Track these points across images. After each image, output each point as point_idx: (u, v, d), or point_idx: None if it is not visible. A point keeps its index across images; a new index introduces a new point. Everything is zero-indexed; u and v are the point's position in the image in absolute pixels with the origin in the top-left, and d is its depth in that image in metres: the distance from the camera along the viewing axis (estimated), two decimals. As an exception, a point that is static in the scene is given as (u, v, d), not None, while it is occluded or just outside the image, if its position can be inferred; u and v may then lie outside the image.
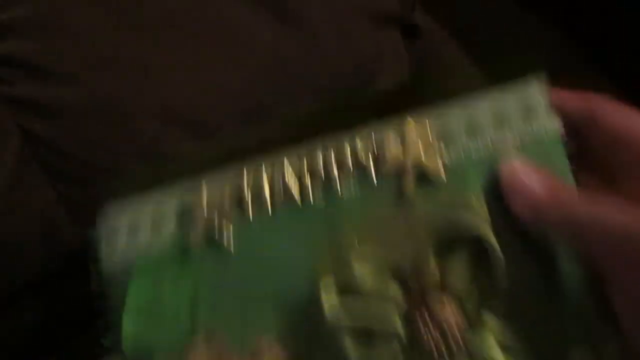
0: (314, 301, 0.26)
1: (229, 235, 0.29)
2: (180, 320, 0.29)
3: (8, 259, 0.38)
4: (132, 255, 0.30)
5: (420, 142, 0.28)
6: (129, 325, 0.29)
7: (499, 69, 0.32)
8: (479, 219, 0.27)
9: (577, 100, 0.28)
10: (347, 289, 0.26)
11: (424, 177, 0.28)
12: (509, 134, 0.28)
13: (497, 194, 0.27)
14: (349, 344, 0.26)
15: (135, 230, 0.30)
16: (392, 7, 0.40)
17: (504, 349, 0.26)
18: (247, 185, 0.29)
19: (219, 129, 0.35)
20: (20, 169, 0.36)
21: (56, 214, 0.37)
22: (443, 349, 0.25)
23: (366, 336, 0.26)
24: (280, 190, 0.29)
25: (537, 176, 0.26)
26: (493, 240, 0.25)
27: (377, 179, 0.29)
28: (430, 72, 0.45)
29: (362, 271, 0.26)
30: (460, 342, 0.25)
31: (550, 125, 0.28)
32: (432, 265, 0.26)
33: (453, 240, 0.26)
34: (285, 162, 0.29)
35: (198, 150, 0.35)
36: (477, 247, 0.26)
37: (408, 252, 0.27)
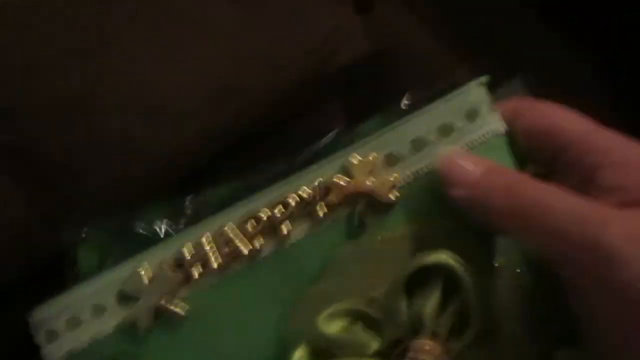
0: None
1: (178, 309, 0.26)
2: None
3: None
4: (76, 349, 0.27)
5: (366, 172, 0.26)
6: None
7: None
8: (441, 245, 0.25)
9: (504, 106, 0.27)
10: (321, 353, 0.24)
11: (376, 207, 0.26)
12: (455, 141, 0.27)
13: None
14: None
15: (76, 323, 0.27)
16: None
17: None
18: (190, 251, 0.27)
19: (185, 115, 0.34)
20: None
21: (27, 219, 0.35)
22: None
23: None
24: (226, 249, 0.27)
25: (474, 159, 0.25)
26: (459, 268, 0.24)
27: (324, 217, 0.26)
28: (392, 47, 0.44)
29: (333, 330, 0.24)
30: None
31: (495, 125, 0.27)
32: (403, 306, 0.24)
33: (420, 276, 0.24)
34: (228, 217, 0.27)
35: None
36: (445, 278, 0.24)
37: (375, 295, 0.25)
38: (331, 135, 0.31)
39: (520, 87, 0.28)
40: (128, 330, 0.27)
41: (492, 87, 0.28)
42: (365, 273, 0.26)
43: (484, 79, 0.27)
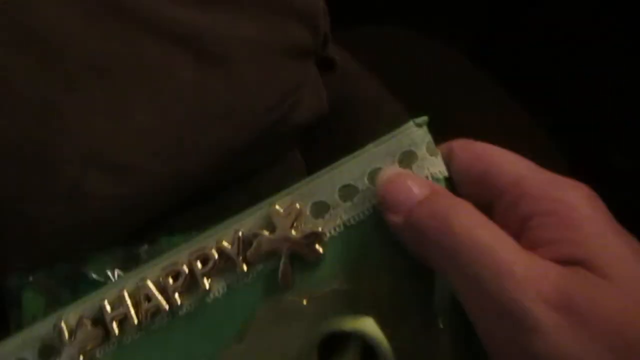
0: None
1: (100, 366, 0.25)
2: None
3: None
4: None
5: (290, 224, 0.25)
6: None
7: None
8: (369, 306, 0.23)
9: (439, 147, 0.25)
10: None
11: (301, 260, 0.25)
12: None
13: (385, 252, 0.24)
14: None
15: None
16: (306, 41, 0.38)
17: None
18: (111, 306, 0.26)
19: (139, 169, 0.34)
20: None
21: None
22: None
23: None
24: (146, 304, 0.25)
25: (421, 181, 0.23)
26: (379, 340, 0.21)
27: (246, 271, 0.25)
28: (350, 104, 0.44)
29: None
30: None
31: (434, 169, 0.25)
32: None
33: (337, 340, 0.22)
34: (147, 272, 0.26)
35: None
36: (363, 343, 0.22)
37: (296, 353, 0.23)
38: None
39: (418, 131, 0.25)
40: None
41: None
42: (286, 333, 0.24)
43: (422, 119, 0.25)
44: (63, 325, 0.26)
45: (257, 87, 0.37)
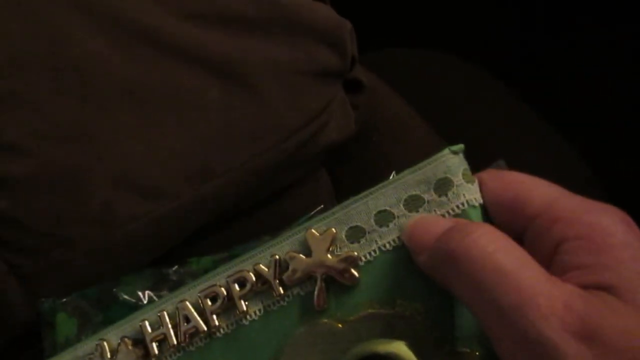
0: None
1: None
2: None
3: None
4: None
5: (326, 248, 0.25)
6: None
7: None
8: (401, 330, 0.23)
9: None
10: None
11: (335, 285, 0.25)
12: (424, 212, 0.25)
13: (420, 277, 0.24)
14: None
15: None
16: (333, 63, 0.39)
17: None
18: (150, 327, 0.26)
19: (169, 191, 0.35)
20: None
21: (8, 286, 0.35)
22: None
23: None
24: (184, 326, 0.26)
25: (442, 220, 0.24)
26: (412, 358, 0.21)
27: (283, 294, 0.25)
28: (377, 125, 0.44)
29: None
30: None
31: (470, 196, 0.25)
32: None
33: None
34: (186, 294, 0.26)
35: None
36: None
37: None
38: (317, 210, 0.31)
39: (455, 158, 0.25)
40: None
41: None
42: (320, 356, 0.24)
43: (458, 147, 0.25)
44: (105, 345, 0.27)
45: (283, 109, 0.37)
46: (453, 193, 0.25)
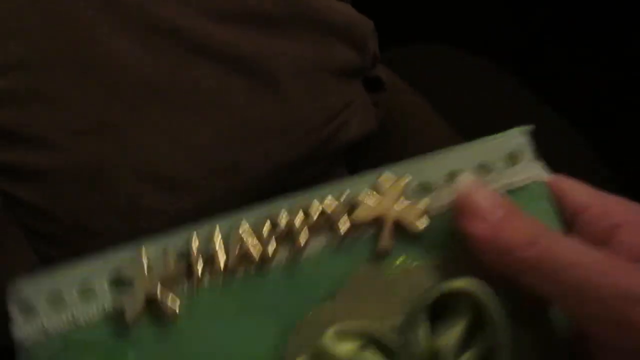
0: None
1: (174, 309, 0.24)
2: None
3: None
4: (54, 332, 0.25)
5: (397, 195, 0.25)
6: None
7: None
8: (471, 277, 0.23)
9: None
10: None
11: (403, 231, 0.25)
12: (493, 182, 0.26)
13: None
14: None
15: (58, 303, 0.25)
16: (354, 61, 0.41)
17: None
18: (197, 249, 0.25)
19: (194, 184, 0.36)
20: (1, 233, 0.36)
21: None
22: None
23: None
24: (236, 253, 0.25)
25: (497, 198, 0.24)
26: (488, 299, 0.22)
27: (346, 234, 0.25)
28: (397, 121, 0.46)
29: (342, 350, 0.22)
30: None
31: (537, 172, 0.26)
32: (422, 336, 0.22)
33: (443, 309, 0.22)
34: (243, 221, 0.25)
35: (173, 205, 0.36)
36: (471, 312, 0.22)
37: (392, 319, 0.23)
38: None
39: (524, 137, 0.27)
40: (114, 319, 0.25)
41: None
42: (380, 300, 0.24)
43: (526, 127, 0.27)
44: (143, 255, 0.25)
45: (306, 106, 0.39)
46: (522, 166, 0.26)
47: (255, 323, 0.24)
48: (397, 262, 0.25)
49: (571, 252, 0.21)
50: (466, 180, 0.25)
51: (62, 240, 0.36)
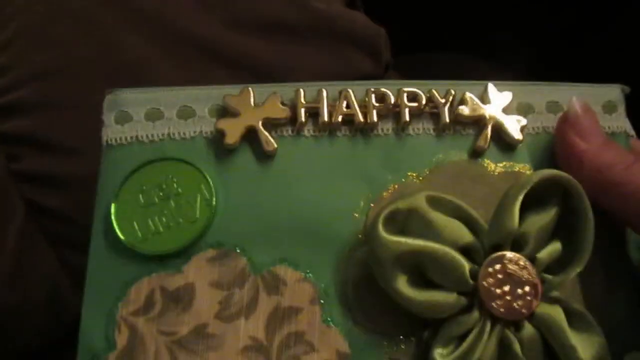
0: (372, 235, 0.22)
1: (273, 145, 0.25)
2: (192, 217, 0.23)
3: (12, 328, 0.37)
4: (147, 141, 0.25)
5: (500, 106, 0.26)
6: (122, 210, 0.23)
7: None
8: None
9: None
10: (411, 229, 0.22)
11: (500, 138, 0.26)
12: None
13: None
14: (402, 286, 0.21)
15: (157, 118, 0.25)
16: (370, 69, 0.43)
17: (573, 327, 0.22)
18: (304, 101, 0.25)
19: None
20: (24, 238, 0.37)
21: (60, 282, 0.38)
22: (508, 309, 0.21)
23: (423, 282, 0.22)
24: (341, 113, 0.25)
25: (599, 126, 0.25)
26: (581, 192, 0.22)
27: (448, 124, 0.26)
28: None
29: (434, 213, 0.22)
30: (530, 308, 0.21)
31: (627, 126, 0.27)
32: (513, 219, 0.22)
33: (540, 198, 0.23)
34: (349, 89, 0.26)
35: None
36: (558, 207, 0.23)
37: (483, 203, 0.24)
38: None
39: (621, 92, 0.28)
40: (211, 140, 0.25)
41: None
42: (465, 193, 0.24)
43: (626, 88, 0.28)
44: (251, 92, 0.25)
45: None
46: (616, 115, 0.27)
47: (346, 183, 0.24)
48: (489, 163, 0.25)
49: None
50: (578, 102, 0.26)
51: (85, 246, 0.36)
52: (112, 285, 0.23)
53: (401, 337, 0.22)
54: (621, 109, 0.28)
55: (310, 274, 0.23)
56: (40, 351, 0.39)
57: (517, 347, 0.21)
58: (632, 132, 0.27)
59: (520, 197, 0.22)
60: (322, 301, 0.23)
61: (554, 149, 0.26)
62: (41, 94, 0.37)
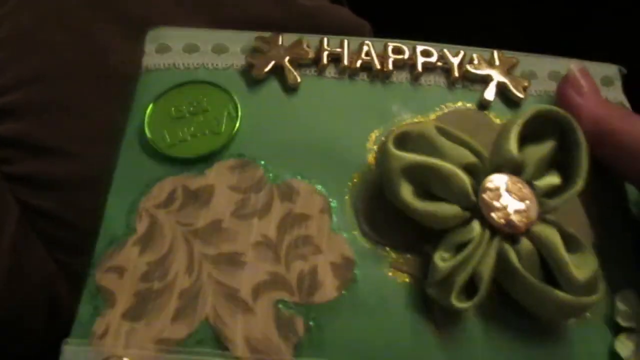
0: (382, 150, 0.23)
1: (296, 79, 0.27)
2: (217, 130, 0.25)
3: (10, 332, 0.37)
4: (183, 68, 0.28)
5: (506, 68, 0.29)
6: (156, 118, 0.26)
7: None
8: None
9: None
10: (419, 152, 0.23)
11: (505, 96, 0.28)
12: None
13: None
14: (407, 196, 0.23)
15: (193, 51, 0.28)
16: None
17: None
18: (328, 46, 0.28)
19: None
20: (19, 242, 0.37)
21: (57, 284, 0.38)
22: (507, 221, 0.22)
23: (428, 197, 0.23)
24: (361, 60, 0.28)
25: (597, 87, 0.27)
26: (579, 130, 0.24)
27: (457, 78, 0.28)
28: None
29: (442, 139, 0.24)
30: (527, 223, 0.23)
31: (620, 97, 0.29)
32: (512, 145, 0.24)
33: (537, 133, 0.25)
34: (368, 41, 0.28)
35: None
36: (555, 141, 0.24)
37: (485, 147, 0.25)
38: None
39: (618, 71, 0.30)
40: (242, 72, 0.27)
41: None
42: (474, 136, 0.26)
43: (623, 69, 0.31)
44: (280, 36, 0.28)
45: None
46: (611, 90, 0.29)
47: (361, 117, 0.27)
48: (494, 116, 0.27)
49: None
50: (576, 65, 0.28)
51: (80, 248, 0.33)
52: (138, 181, 0.24)
53: (404, 249, 0.24)
54: (617, 84, 0.30)
55: (322, 189, 0.25)
56: (38, 356, 0.38)
57: (513, 256, 0.22)
58: (628, 105, 0.29)
59: (518, 125, 0.24)
60: (331, 212, 0.24)
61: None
62: (33, 97, 0.38)
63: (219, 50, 0.28)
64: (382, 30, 0.46)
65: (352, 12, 0.46)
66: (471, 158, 0.23)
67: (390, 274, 0.23)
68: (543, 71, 0.29)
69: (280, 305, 0.22)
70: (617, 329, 0.24)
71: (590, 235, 0.25)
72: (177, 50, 0.28)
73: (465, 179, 0.23)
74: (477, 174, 0.23)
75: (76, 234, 0.36)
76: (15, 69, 0.38)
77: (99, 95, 0.38)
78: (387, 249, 0.24)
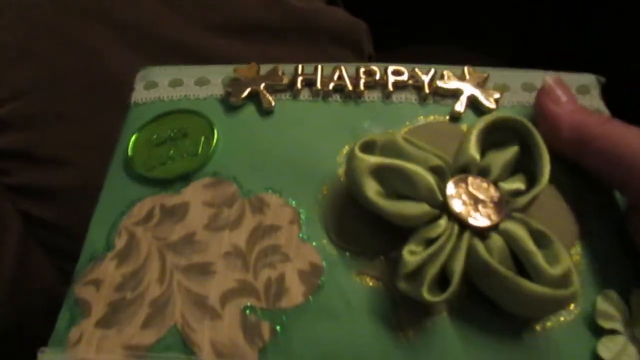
0: (350, 155, 0.24)
1: (270, 102, 0.28)
2: (194, 152, 0.27)
3: (11, 341, 0.37)
4: (168, 100, 0.29)
5: (476, 81, 0.29)
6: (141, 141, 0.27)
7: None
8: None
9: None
10: (383, 153, 0.24)
11: (476, 107, 0.29)
12: None
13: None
14: (372, 194, 0.23)
15: (177, 85, 0.30)
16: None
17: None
18: (302, 72, 0.30)
19: None
20: (22, 252, 0.37)
21: (59, 292, 0.36)
22: (474, 215, 0.23)
23: (396, 197, 0.24)
24: (333, 83, 0.29)
25: (573, 96, 0.27)
26: (534, 131, 0.24)
27: (428, 94, 0.29)
28: None
29: (409, 147, 0.25)
30: (493, 218, 0.23)
31: (597, 104, 0.29)
32: (472, 147, 0.24)
33: (500, 141, 0.25)
34: (343, 66, 0.30)
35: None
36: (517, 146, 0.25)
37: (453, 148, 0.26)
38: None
39: (595, 80, 0.30)
40: (221, 100, 0.29)
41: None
42: (446, 148, 0.26)
43: (602, 78, 0.31)
44: (256, 66, 0.30)
45: None
46: (589, 97, 0.30)
47: (333, 133, 0.28)
48: (465, 127, 0.28)
49: (631, 133, 0.24)
50: (551, 77, 0.28)
51: (79, 255, 0.35)
52: (120, 202, 0.26)
53: (372, 255, 0.24)
54: (594, 92, 0.30)
55: (293, 201, 0.25)
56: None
57: (482, 250, 0.22)
58: (607, 112, 0.29)
59: (477, 130, 0.24)
60: (300, 222, 0.25)
61: (536, 121, 0.28)
62: (29, 108, 0.38)
63: (200, 82, 0.30)
64: (378, 30, 0.47)
65: (347, 13, 0.46)
66: (436, 161, 0.24)
67: (357, 279, 0.24)
68: (516, 83, 0.30)
69: (247, 311, 0.23)
70: (599, 331, 0.23)
71: (574, 234, 0.25)
72: (163, 86, 0.30)
73: (430, 178, 0.23)
74: (443, 174, 0.24)
75: (77, 241, 0.34)
76: (10, 81, 0.38)
77: (95, 103, 0.38)
78: (355, 255, 0.24)
